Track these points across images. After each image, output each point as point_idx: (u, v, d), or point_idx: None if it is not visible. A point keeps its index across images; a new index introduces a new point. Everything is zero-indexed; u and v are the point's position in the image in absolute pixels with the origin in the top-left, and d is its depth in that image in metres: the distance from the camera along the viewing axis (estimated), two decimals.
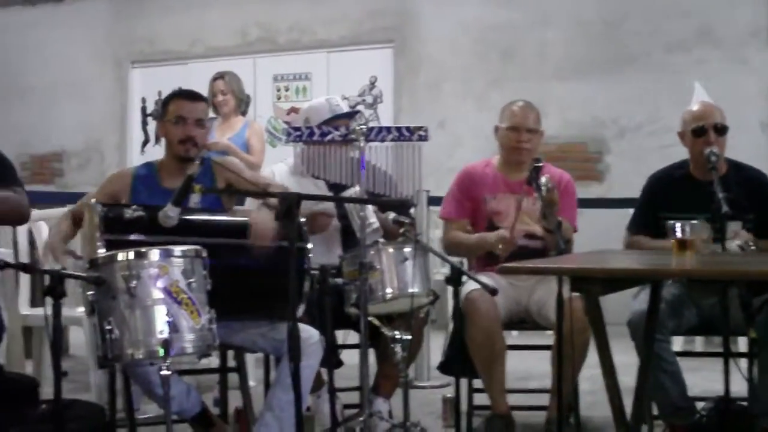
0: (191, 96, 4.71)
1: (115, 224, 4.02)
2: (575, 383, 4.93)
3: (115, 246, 3.77)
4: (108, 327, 3.54)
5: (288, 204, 3.48)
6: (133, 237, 3.75)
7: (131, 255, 3.55)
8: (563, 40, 9.98)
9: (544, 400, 5.11)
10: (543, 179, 4.55)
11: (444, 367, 5.11)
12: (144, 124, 12.08)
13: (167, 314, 3.50)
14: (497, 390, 4.93)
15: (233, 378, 5.15)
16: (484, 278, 4.66)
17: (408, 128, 4.68)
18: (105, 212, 4.05)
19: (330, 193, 5.09)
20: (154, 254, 3.55)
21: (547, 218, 4.55)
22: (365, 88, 10.89)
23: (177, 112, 4.59)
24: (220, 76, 7.45)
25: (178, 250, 3.60)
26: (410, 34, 10.66)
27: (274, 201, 4.32)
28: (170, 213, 3.75)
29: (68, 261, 4.31)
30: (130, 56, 12.09)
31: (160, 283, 3.51)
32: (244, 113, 7.57)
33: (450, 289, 4.42)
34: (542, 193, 4.52)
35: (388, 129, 4.66)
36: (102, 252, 3.79)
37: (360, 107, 10.47)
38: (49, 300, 3.40)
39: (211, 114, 6.54)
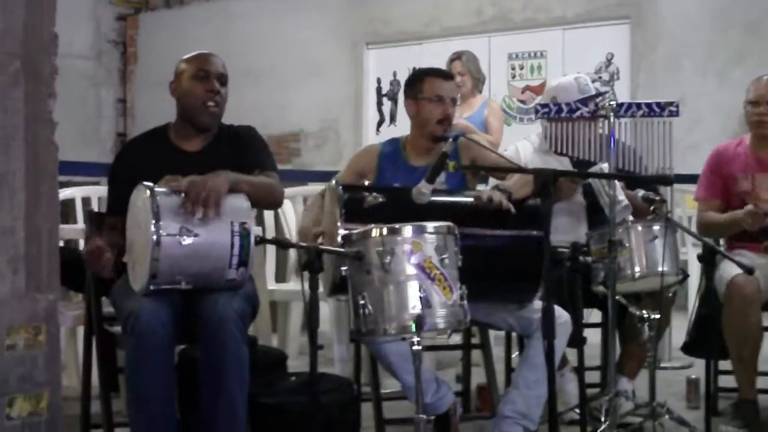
0: (445, 75, 4.73)
1: (356, 210, 4.05)
2: None
3: None
4: (362, 302, 3.56)
5: (543, 180, 3.44)
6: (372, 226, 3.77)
7: (385, 231, 3.57)
8: None
9: None
10: None
11: (688, 348, 5.01)
12: (379, 104, 12.23)
13: (420, 290, 3.50)
14: (748, 374, 4.79)
15: (475, 355, 5.17)
16: (738, 257, 4.53)
17: (658, 104, 4.57)
18: (345, 198, 4.09)
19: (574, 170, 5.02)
20: (408, 230, 3.56)
21: None
22: (601, 65, 10.75)
23: (436, 91, 4.60)
24: (457, 56, 7.43)
25: (431, 226, 3.60)
26: (647, 8, 10.45)
27: (507, 185, 4.31)
28: (424, 190, 3.76)
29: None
30: (366, 37, 12.26)
31: (413, 259, 3.52)
32: (480, 92, 7.55)
33: (693, 268, 4.32)
34: None
35: (638, 105, 4.56)
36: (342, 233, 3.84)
37: (596, 84, 10.31)
38: (306, 274, 3.46)
39: None
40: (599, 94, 5.16)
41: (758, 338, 4.73)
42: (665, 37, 10.34)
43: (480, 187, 4.86)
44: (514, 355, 4.98)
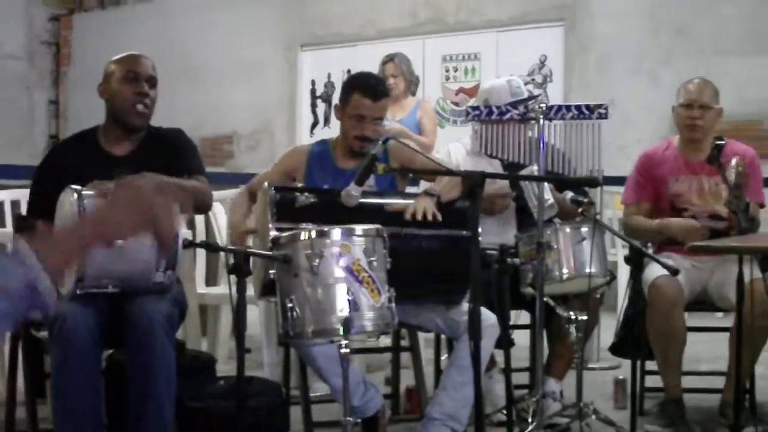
0: (375, 95, 4.61)
1: (287, 211, 4.06)
2: (752, 367, 4.84)
3: None
4: (290, 305, 3.57)
5: (472, 183, 3.46)
6: (303, 226, 3.77)
7: (314, 234, 3.58)
8: (740, 16, 9.72)
9: (715, 382, 5.03)
10: (733, 161, 4.43)
11: (616, 349, 5.06)
12: (313, 106, 12.21)
13: (348, 292, 3.52)
14: (673, 374, 4.85)
15: (404, 358, 5.18)
16: (665, 259, 4.59)
17: (588, 106, 4.62)
18: (277, 197, 4.10)
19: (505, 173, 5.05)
20: (336, 233, 3.58)
21: (736, 200, 4.44)
22: (535, 68, 10.81)
23: (358, 111, 4.58)
24: (390, 59, 7.44)
25: (359, 229, 3.62)
26: (580, 11, 10.53)
27: (435, 188, 4.32)
28: (353, 192, 3.77)
29: (249, 240, 4.40)
30: (301, 39, 12.23)
31: (342, 262, 3.54)
32: (413, 94, 7.56)
33: (621, 270, 4.37)
34: (730, 175, 4.39)
35: (568, 107, 4.61)
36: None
37: (529, 86, 10.38)
38: (233, 278, 3.46)
39: None
40: (531, 97, 5.19)
41: (682, 338, 4.79)
42: (597, 40, 10.42)
43: (409, 189, 4.88)
44: (444, 357, 5.00)
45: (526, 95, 5.14)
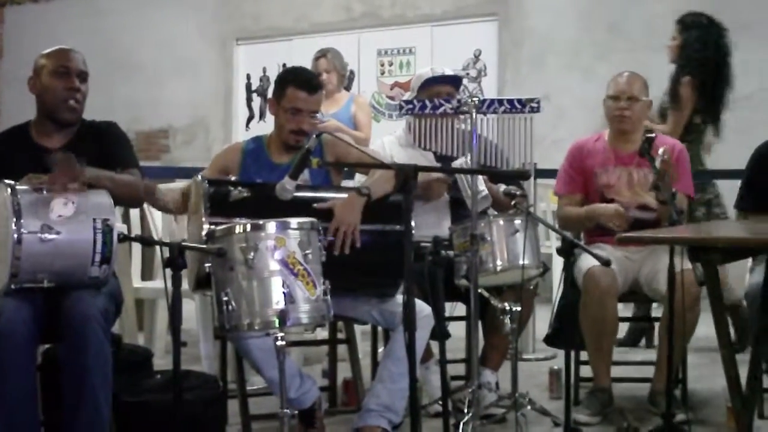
0: (310, 88, 4.65)
1: (220, 205, 4.08)
2: (683, 355, 4.92)
3: None
4: (225, 298, 3.60)
5: (405, 176, 3.48)
6: (237, 221, 3.78)
7: (248, 227, 3.60)
8: (672, 12, 9.81)
9: (645, 372, 5.11)
10: (660, 150, 4.50)
11: (550, 340, 5.11)
12: (249, 100, 12.18)
13: (283, 285, 3.54)
14: (604, 364, 4.92)
15: (341, 350, 5.21)
16: (597, 250, 4.65)
17: (520, 100, 4.67)
18: (210, 191, 4.11)
19: (438, 165, 5.09)
20: (271, 226, 3.60)
21: (661, 189, 4.51)
22: (469, 62, 10.87)
23: (293, 104, 4.61)
24: (322, 54, 7.47)
25: (294, 222, 3.64)
26: (514, 6, 10.61)
27: (367, 183, 4.35)
28: (288, 186, 3.77)
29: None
30: (236, 33, 12.20)
31: (277, 255, 3.56)
32: (347, 88, 7.58)
33: (556, 262, 4.41)
34: (656, 164, 4.46)
35: (500, 101, 4.65)
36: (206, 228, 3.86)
37: (464, 81, 10.44)
38: (169, 272, 3.45)
39: None
40: (453, 77, 5.25)
41: (614, 328, 4.86)
42: (531, 35, 10.49)
43: (346, 183, 4.90)
44: (381, 349, 5.03)
45: (447, 74, 5.24)
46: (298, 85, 4.63)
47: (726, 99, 6.71)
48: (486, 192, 4.80)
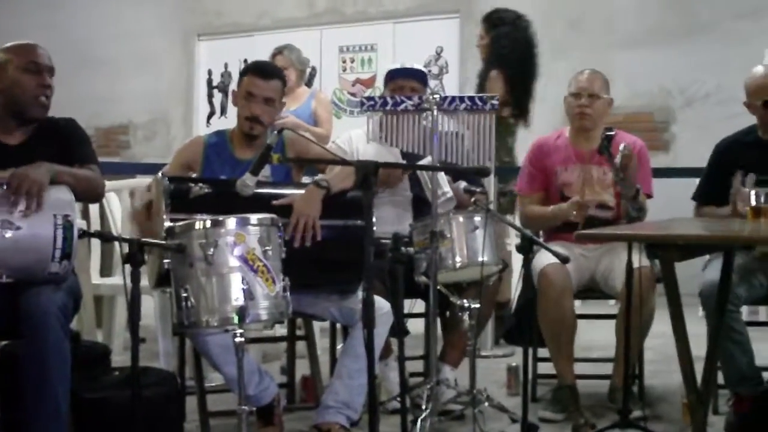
0: (265, 73, 4.68)
1: (181, 202, 4.07)
2: (640, 352, 4.96)
3: None
4: (184, 294, 3.59)
5: (365, 172, 3.49)
6: (198, 217, 3.78)
7: (208, 223, 3.60)
8: (631, 10, 9.90)
9: (606, 369, 5.14)
10: (621, 145, 4.53)
11: (509, 336, 5.12)
12: (210, 96, 12.17)
13: (243, 281, 3.54)
14: (565, 361, 4.94)
15: (300, 347, 5.21)
16: (556, 247, 4.67)
17: (481, 97, 4.69)
18: (171, 188, 4.11)
19: (403, 161, 5.10)
20: (231, 222, 3.60)
21: (624, 184, 4.53)
22: (431, 59, 10.90)
23: (247, 88, 4.63)
24: (279, 51, 7.47)
25: (254, 218, 3.64)
26: (476, 3, 10.61)
27: (327, 177, 4.36)
28: (248, 182, 3.78)
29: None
30: (198, 29, 12.18)
31: (236, 251, 3.56)
32: (309, 84, 7.58)
33: (514, 260, 4.43)
34: (617, 159, 4.49)
35: (461, 98, 4.67)
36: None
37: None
38: (128, 268, 3.45)
39: None
40: (416, 71, 5.27)
41: (572, 325, 4.88)
42: None
43: (306, 179, 4.91)
44: (339, 346, 5.03)
45: (409, 67, 5.27)
46: (254, 72, 4.69)
47: (534, 91, 7.02)
48: (451, 194, 4.82)
